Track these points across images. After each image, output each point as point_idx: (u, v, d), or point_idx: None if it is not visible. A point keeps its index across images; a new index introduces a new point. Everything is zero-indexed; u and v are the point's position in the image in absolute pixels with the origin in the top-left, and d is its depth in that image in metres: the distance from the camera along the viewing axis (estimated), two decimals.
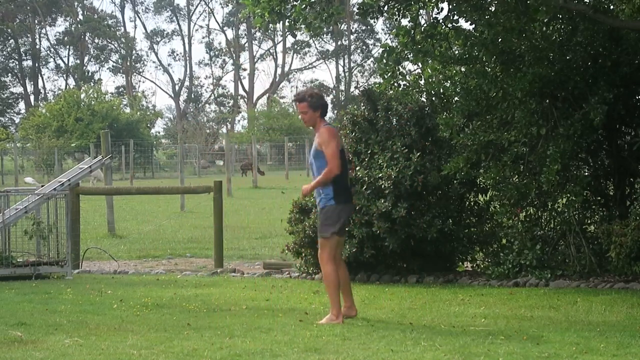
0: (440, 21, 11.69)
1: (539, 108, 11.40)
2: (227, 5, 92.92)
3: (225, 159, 37.96)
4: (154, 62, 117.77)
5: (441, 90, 12.31)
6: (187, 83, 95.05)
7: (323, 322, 8.41)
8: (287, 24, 10.85)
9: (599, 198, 12.07)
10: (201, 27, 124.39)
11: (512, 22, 11.16)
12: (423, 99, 12.48)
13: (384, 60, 11.47)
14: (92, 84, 73.32)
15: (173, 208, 25.91)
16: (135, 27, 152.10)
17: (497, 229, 12.15)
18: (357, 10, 11.69)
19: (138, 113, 65.21)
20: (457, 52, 12.02)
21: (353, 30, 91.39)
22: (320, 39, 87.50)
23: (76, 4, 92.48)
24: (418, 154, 11.71)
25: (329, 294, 8.59)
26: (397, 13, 11.51)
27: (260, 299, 10.28)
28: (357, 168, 11.95)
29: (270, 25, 10.90)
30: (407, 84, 12.07)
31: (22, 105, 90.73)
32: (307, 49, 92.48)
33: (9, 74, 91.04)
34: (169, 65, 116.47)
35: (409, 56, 11.71)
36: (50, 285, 11.57)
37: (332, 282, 8.50)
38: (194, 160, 62.86)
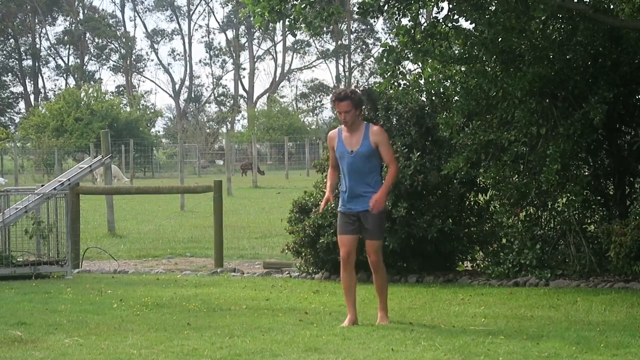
0: (441, 20, 11.68)
1: (539, 108, 11.40)
2: (227, 5, 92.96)
3: (225, 158, 37.97)
4: (152, 60, 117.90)
5: (441, 90, 12.31)
6: (187, 82, 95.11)
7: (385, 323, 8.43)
8: (287, 23, 10.85)
9: (599, 198, 12.07)
10: (201, 26, 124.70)
11: (512, 22, 11.17)
12: (423, 98, 12.48)
13: (384, 60, 11.46)
14: (92, 84, 73.31)
15: (173, 208, 25.90)
16: (136, 27, 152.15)
17: (497, 229, 12.15)
18: (357, 10, 11.69)
19: (138, 112, 65.16)
20: (457, 51, 12.02)
21: (353, 29, 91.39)
22: (320, 39, 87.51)
23: (76, 3, 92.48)
24: (418, 153, 11.72)
25: (385, 296, 8.55)
26: (397, 12, 11.50)
27: (260, 299, 10.28)
28: None
29: (270, 24, 10.89)
30: (407, 84, 12.07)
31: (22, 104, 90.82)
32: (307, 49, 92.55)
33: (9, 74, 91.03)
34: (169, 64, 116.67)
35: (409, 56, 11.70)
36: (50, 285, 11.57)
37: (387, 284, 8.66)
38: (194, 160, 62.87)
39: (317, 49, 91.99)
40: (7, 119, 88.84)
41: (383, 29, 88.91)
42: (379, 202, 8.29)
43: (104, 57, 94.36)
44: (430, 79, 12.32)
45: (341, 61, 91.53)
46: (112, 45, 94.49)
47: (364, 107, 8.55)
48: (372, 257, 8.46)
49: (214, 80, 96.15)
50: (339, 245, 8.60)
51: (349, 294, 8.50)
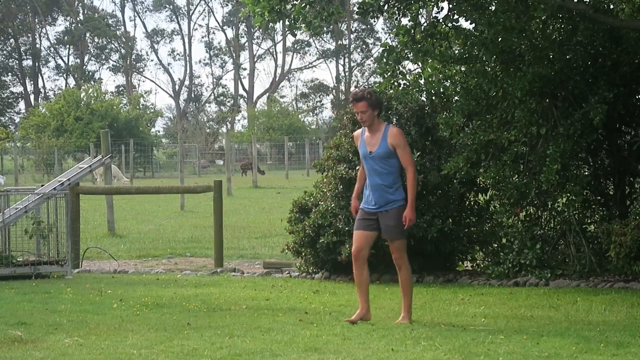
0: (441, 20, 11.68)
1: (539, 107, 11.40)
2: (227, 5, 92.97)
3: (225, 158, 37.98)
4: (152, 60, 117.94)
5: (441, 90, 12.31)
6: (187, 82, 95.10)
7: (402, 322, 8.49)
8: (287, 23, 10.85)
9: (599, 197, 12.07)
10: (201, 26, 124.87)
11: (512, 22, 11.17)
12: (423, 98, 12.47)
13: (384, 60, 11.46)
14: (92, 84, 73.32)
15: (173, 208, 25.90)
16: (135, 27, 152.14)
17: (497, 229, 12.15)
18: (357, 10, 11.69)
19: (137, 109, 65.10)
20: (457, 51, 12.02)
21: (353, 29, 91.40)
22: (320, 39, 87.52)
23: (76, 3, 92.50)
24: (418, 153, 11.72)
25: (409, 296, 8.61)
26: (397, 12, 11.50)
27: (260, 299, 10.28)
28: (357, 167, 11.94)
29: (270, 24, 10.89)
30: (407, 84, 12.07)
31: (22, 104, 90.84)
32: (307, 49, 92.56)
33: (9, 74, 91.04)
34: (169, 64, 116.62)
35: (409, 55, 11.70)
36: (50, 285, 11.57)
37: (411, 283, 8.70)
38: (194, 159, 62.88)
39: (317, 49, 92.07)
40: (7, 119, 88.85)
41: (383, 29, 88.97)
42: (410, 218, 8.47)
43: (104, 57, 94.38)
44: (430, 79, 12.32)
45: (341, 61, 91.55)
46: (112, 45, 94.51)
47: (379, 108, 8.64)
48: (394, 255, 8.61)
49: (214, 80, 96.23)
50: (353, 241, 8.69)
51: (361, 289, 8.62)
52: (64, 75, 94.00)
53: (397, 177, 8.53)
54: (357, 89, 9.25)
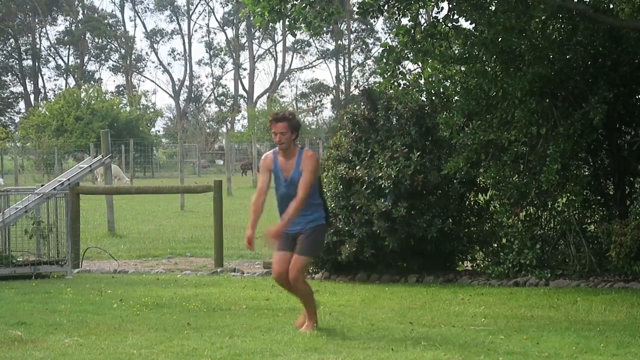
0: (441, 20, 11.69)
1: (539, 107, 11.40)
2: (227, 5, 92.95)
3: (225, 158, 37.97)
4: (153, 62, 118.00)
5: (441, 90, 12.32)
6: (187, 82, 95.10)
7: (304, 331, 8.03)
8: (287, 23, 10.86)
9: (599, 197, 12.08)
10: (201, 27, 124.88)
11: (512, 22, 11.17)
12: (423, 98, 12.48)
13: (384, 60, 11.48)
14: (92, 84, 73.30)
15: (173, 208, 25.90)
16: (135, 27, 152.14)
17: (497, 229, 12.15)
18: (357, 10, 11.70)
19: (138, 111, 65.14)
20: (457, 51, 12.03)
21: (353, 29, 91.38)
22: (320, 39, 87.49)
23: (76, 3, 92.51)
24: (418, 153, 11.71)
25: (312, 306, 8.15)
26: (397, 12, 11.52)
27: (260, 299, 10.28)
28: (357, 167, 11.95)
29: (270, 24, 10.90)
30: (407, 84, 12.08)
31: (22, 104, 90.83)
32: (307, 49, 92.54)
33: (9, 74, 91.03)
34: (169, 64, 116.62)
35: (409, 55, 11.71)
36: (50, 285, 11.57)
37: (312, 297, 8.24)
38: (194, 159, 62.89)
39: (317, 49, 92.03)
40: (7, 119, 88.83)
41: (383, 29, 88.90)
42: (272, 233, 8.31)
43: (103, 57, 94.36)
44: (430, 79, 12.33)
45: (341, 61, 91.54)
46: (112, 45, 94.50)
47: (297, 132, 8.53)
48: (291, 274, 8.16)
49: (214, 80, 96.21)
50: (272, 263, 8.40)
51: (303, 303, 8.28)
52: (64, 75, 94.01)
53: (315, 198, 8.31)
54: (277, 111, 9.19)
